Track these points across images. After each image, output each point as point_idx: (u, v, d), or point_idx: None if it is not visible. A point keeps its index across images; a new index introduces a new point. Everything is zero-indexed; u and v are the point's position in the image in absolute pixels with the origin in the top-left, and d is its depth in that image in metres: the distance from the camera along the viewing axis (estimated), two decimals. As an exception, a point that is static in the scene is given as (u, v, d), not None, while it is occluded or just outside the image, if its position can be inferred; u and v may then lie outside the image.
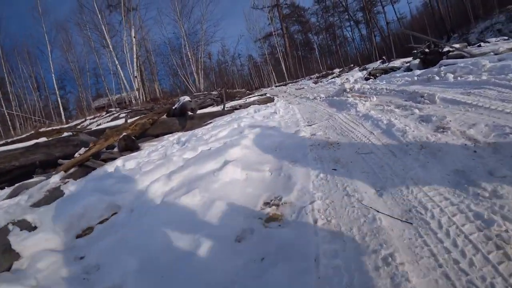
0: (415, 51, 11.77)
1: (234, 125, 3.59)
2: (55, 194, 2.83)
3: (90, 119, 16.53)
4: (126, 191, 2.22)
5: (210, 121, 5.22)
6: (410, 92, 3.67)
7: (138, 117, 5.12)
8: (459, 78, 4.04)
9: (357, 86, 5.76)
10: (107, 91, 29.25)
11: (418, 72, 6.01)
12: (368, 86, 5.42)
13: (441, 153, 1.68)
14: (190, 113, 5.05)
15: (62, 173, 3.30)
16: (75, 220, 2.02)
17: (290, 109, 5.20)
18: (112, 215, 2.10)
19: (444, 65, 5.44)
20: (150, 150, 3.49)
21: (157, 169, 2.39)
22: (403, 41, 29.55)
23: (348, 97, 4.82)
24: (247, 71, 44.66)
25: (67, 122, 20.89)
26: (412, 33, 8.27)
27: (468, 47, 7.70)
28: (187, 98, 5.21)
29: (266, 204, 1.56)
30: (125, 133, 4.27)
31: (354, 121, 2.97)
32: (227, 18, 72.41)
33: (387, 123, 2.51)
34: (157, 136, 5.62)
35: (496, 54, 5.39)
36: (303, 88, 13.60)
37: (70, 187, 2.91)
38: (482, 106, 2.44)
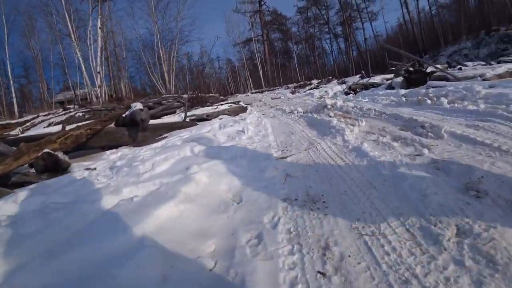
0: (394, 68, 11.67)
1: (186, 149, 2.73)
2: None
3: (44, 115, 14.67)
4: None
5: (166, 134, 4.31)
6: (406, 118, 3.06)
7: (74, 126, 4.08)
8: (455, 104, 3.54)
9: (339, 103, 5.16)
10: (70, 85, 26.80)
11: (402, 91, 5.56)
12: (352, 104, 4.82)
13: (495, 253, 0.97)
14: (141, 124, 4.11)
15: None
16: None
17: (262, 126, 4.43)
18: None
19: (432, 87, 5.01)
20: (68, 180, 2.53)
21: (44, 231, 1.48)
22: (378, 57, 30.42)
23: (330, 116, 4.17)
24: (225, 74, 43.84)
25: (20, 116, 18.49)
26: (394, 49, 7.97)
27: (449, 69, 7.51)
28: (138, 106, 4.26)
29: None
30: (46, 150, 3.23)
31: (342, 157, 2.25)
32: (205, 18, 70.57)
33: (390, 168, 1.81)
34: (103, 148, 4.62)
35: (484, 80, 5.06)
36: (279, 97, 13.02)
37: None
38: (507, 150, 1.83)
